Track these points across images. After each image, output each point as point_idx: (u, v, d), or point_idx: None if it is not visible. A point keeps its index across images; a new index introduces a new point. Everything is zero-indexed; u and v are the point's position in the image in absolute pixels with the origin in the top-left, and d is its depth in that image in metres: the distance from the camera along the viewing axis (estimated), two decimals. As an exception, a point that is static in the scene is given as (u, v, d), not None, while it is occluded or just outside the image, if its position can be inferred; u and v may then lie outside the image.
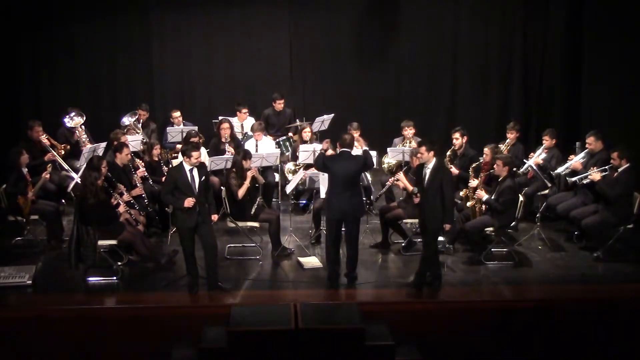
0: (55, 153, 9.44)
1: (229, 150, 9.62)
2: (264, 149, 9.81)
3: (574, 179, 8.75)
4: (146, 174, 9.05)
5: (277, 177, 9.79)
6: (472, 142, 9.61)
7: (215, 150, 9.81)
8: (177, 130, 10.34)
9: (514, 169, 8.74)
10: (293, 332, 6.34)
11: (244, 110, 10.91)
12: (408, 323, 7.04)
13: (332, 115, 11.16)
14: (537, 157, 9.37)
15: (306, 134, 10.02)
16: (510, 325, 7.15)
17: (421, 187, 7.55)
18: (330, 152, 8.76)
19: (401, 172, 8.92)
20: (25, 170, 8.49)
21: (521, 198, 8.31)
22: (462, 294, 7.55)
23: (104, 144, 9.57)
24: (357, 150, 8.72)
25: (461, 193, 8.79)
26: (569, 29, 12.03)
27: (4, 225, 8.67)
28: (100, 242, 7.66)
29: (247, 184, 8.30)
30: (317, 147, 9.36)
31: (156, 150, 9.49)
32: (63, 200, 9.61)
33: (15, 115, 11.76)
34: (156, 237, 8.88)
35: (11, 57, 11.83)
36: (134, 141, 9.70)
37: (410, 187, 8.43)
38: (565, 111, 12.20)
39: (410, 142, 9.93)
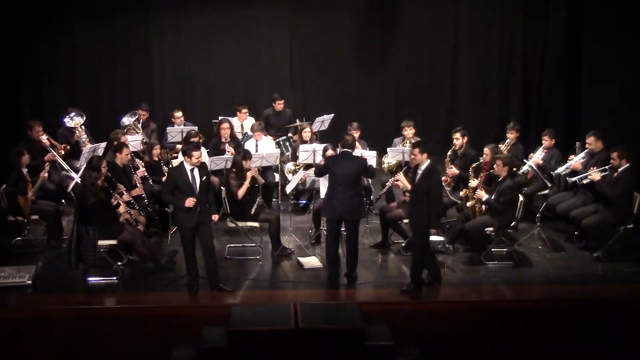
0: (55, 153, 9.45)
1: (229, 150, 9.62)
2: (264, 149, 9.81)
3: (574, 179, 8.75)
4: (146, 174, 9.05)
5: (277, 177, 9.79)
6: (472, 142, 9.60)
7: (215, 150, 9.81)
8: (177, 130, 10.34)
9: (514, 169, 8.73)
10: (293, 332, 6.34)
11: (244, 110, 10.91)
12: (408, 323, 7.04)
13: (332, 115, 11.16)
14: (536, 158, 9.37)
15: (306, 134, 10.02)
16: (510, 325, 7.15)
17: (413, 188, 7.54)
18: (330, 152, 8.78)
19: (401, 172, 8.93)
20: (25, 170, 8.49)
21: (521, 198, 8.31)
22: (462, 294, 7.55)
23: (104, 144, 9.57)
24: (358, 151, 8.75)
25: (461, 193, 8.79)
26: (569, 29, 12.04)
27: (4, 225, 8.66)
28: (100, 242, 7.66)
29: (246, 184, 8.30)
30: (317, 147, 9.37)
31: (156, 150, 9.48)
32: (63, 200, 9.61)
33: (15, 115, 11.76)
34: (156, 237, 8.88)
35: (11, 57, 11.82)
36: (134, 141, 9.70)
37: (410, 187, 8.43)
38: (565, 111, 12.21)
39: (410, 142, 9.92)
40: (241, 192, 8.27)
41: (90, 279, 7.72)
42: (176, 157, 9.85)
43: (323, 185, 8.16)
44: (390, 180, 8.89)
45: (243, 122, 10.87)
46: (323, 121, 11.06)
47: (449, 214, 9.15)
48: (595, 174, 8.39)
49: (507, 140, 9.76)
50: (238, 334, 6.37)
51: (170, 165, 9.57)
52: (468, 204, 8.50)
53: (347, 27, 12.61)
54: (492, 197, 8.13)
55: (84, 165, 8.59)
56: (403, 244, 8.54)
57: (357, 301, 7.24)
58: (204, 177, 7.39)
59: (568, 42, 12.06)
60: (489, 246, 8.27)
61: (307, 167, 9.36)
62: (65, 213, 9.36)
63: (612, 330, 7.14)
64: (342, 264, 7.76)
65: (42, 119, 10.19)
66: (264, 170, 9.50)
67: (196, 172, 7.34)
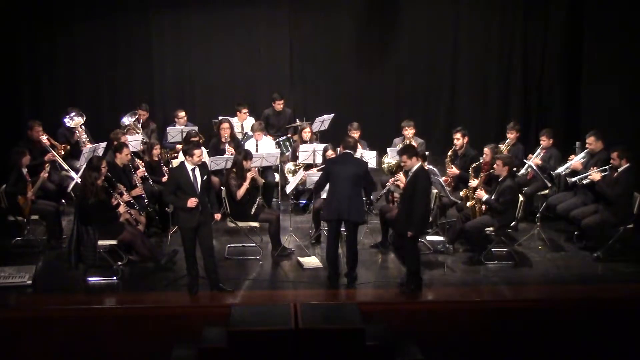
0: (55, 153, 9.45)
1: (229, 150, 9.62)
2: (264, 149, 9.81)
3: (574, 179, 8.74)
4: (146, 174, 9.05)
5: (277, 177, 9.79)
6: (472, 142, 9.60)
7: (215, 150, 9.81)
8: (177, 130, 10.35)
9: (514, 169, 8.73)
10: (293, 332, 6.34)
11: (244, 110, 10.91)
12: (408, 323, 7.04)
13: (332, 115, 11.17)
14: (535, 158, 9.36)
15: (306, 134, 10.02)
16: (510, 325, 7.15)
17: (403, 190, 7.53)
18: (330, 152, 8.78)
19: (401, 172, 8.92)
20: (25, 170, 8.49)
21: (521, 198, 8.31)
22: (462, 294, 7.55)
23: (104, 144, 9.57)
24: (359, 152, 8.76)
25: (461, 193, 8.79)
26: (569, 29, 12.04)
27: (4, 225, 8.66)
28: (100, 242, 7.66)
29: (246, 184, 8.30)
30: (317, 147, 9.37)
31: (156, 150, 9.48)
32: (63, 200, 9.60)
33: (15, 115, 11.75)
34: (156, 237, 8.87)
35: (11, 57, 11.82)
36: (134, 141, 9.70)
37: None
38: (565, 111, 12.21)
39: (410, 142, 9.92)
40: (241, 192, 8.27)
41: (90, 279, 7.71)
42: (176, 157, 9.84)
43: (323, 185, 8.17)
44: (390, 180, 8.88)
45: (243, 122, 10.87)
46: (323, 121, 11.06)
47: (449, 214, 9.16)
48: (595, 174, 8.39)
49: (507, 140, 9.76)
50: (238, 334, 6.37)
51: (170, 165, 9.57)
52: (468, 204, 8.50)
53: (347, 27, 12.61)
54: (492, 197, 8.13)
55: (84, 165, 8.59)
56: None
57: (357, 301, 7.24)
58: (205, 177, 7.39)
59: (568, 42, 12.07)
60: (489, 246, 8.27)
61: (307, 167, 9.36)
62: (65, 213, 9.36)
63: (612, 330, 7.14)
64: (342, 264, 7.76)
65: (42, 119, 10.20)
66: (264, 170, 9.51)
67: (197, 171, 7.34)
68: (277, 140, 10.51)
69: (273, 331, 6.39)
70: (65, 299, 7.35)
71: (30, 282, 7.51)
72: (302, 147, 9.63)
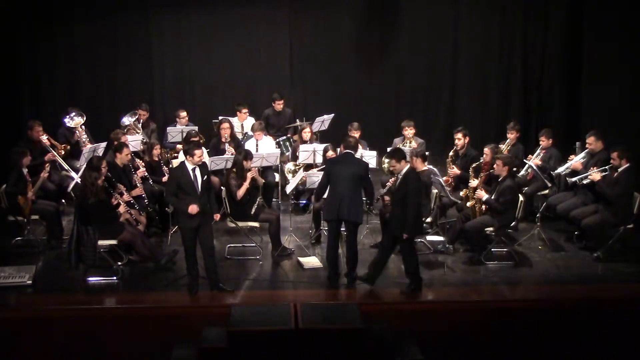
0: (55, 153, 9.44)
1: (229, 150, 9.62)
2: (264, 148, 9.81)
3: (574, 179, 8.74)
4: (146, 174, 9.05)
5: (277, 177, 9.79)
6: (472, 142, 9.60)
7: (215, 150, 9.81)
8: (177, 130, 10.35)
9: (514, 169, 8.73)
10: (293, 332, 6.34)
11: (244, 110, 10.91)
12: (408, 323, 7.04)
13: (332, 115, 11.17)
14: (535, 158, 9.36)
15: (306, 134, 10.02)
16: (510, 325, 7.15)
17: (393, 193, 7.50)
18: (330, 152, 8.78)
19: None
20: (25, 170, 8.49)
21: (521, 198, 8.31)
22: (462, 294, 7.56)
23: (104, 144, 9.57)
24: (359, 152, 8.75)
25: (461, 193, 8.79)
26: (569, 29, 12.04)
27: (4, 225, 8.66)
28: (100, 242, 7.66)
29: (246, 184, 8.30)
30: (317, 147, 9.38)
31: (156, 150, 9.48)
32: (63, 200, 9.60)
33: (15, 115, 11.75)
34: (156, 237, 8.87)
35: (11, 57, 11.82)
36: (134, 141, 9.70)
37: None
38: (565, 111, 12.21)
39: (410, 142, 9.93)
40: (241, 192, 8.27)
41: (90, 279, 7.72)
42: (176, 157, 9.84)
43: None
44: (390, 180, 8.87)
45: (243, 122, 10.87)
46: (323, 121, 11.06)
47: (449, 214, 9.16)
48: (595, 174, 8.39)
49: (507, 141, 9.76)
50: (238, 334, 6.36)
51: (171, 165, 9.57)
52: (468, 204, 8.50)
53: (347, 27, 12.61)
54: (492, 197, 8.12)
55: (84, 165, 8.60)
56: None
57: (357, 301, 7.24)
58: (205, 177, 7.40)
59: (568, 42, 12.07)
60: (489, 246, 8.27)
61: (307, 167, 9.36)
62: (65, 213, 9.35)
63: (612, 330, 7.13)
64: (342, 264, 7.76)
65: (42, 119, 10.20)
66: (264, 170, 9.51)
67: (197, 171, 7.35)
68: (277, 140, 10.51)
69: (273, 331, 6.39)
70: (65, 299, 7.35)
71: (30, 282, 7.51)
72: (302, 147, 9.63)
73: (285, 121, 11.30)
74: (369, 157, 9.21)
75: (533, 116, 12.55)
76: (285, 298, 7.39)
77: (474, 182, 8.47)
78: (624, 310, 7.28)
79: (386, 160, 9.91)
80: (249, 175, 8.35)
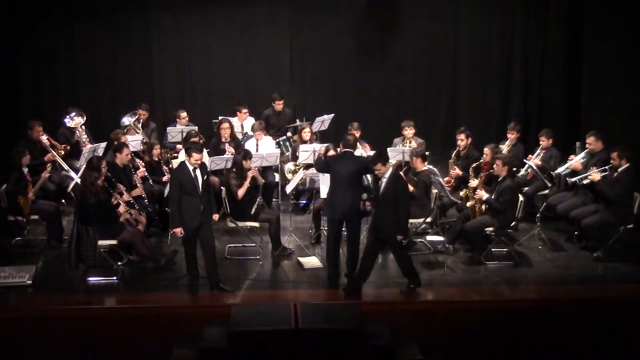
0: (55, 153, 9.44)
1: (229, 150, 9.62)
2: (264, 148, 9.81)
3: (574, 179, 8.74)
4: (146, 174, 9.05)
5: (277, 177, 9.79)
6: (472, 142, 9.59)
7: (215, 150, 9.81)
8: (177, 130, 10.35)
9: (514, 169, 8.73)
10: (293, 332, 6.34)
11: (244, 110, 10.92)
12: (408, 323, 7.05)
13: (332, 115, 11.16)
14: (535, 158, 9.36)
15: (306, 134, 10.02)
16: (510, 325, 7.15)
17: (376, 197, 7.43)
18: (332, 152, 8.77)
19: (401, 172, 8.93)
20: (25, 170, 8.49)
21: (521, 198, 8.31)
22: (462, 294, 7.55)
23: (104, 144, 9.57)
24: (359, 151, 8.75)
25: (461, 193, 8.79)
26: (569, 28, 12.03)
27: (4, 225, 8.66)
28: (100, 242, 7.67)
29: (246, 184, 8.30)
30: (317, 147, 9.36)
31: (156, 150, 9.48)
32: (63, 200, 9.61)
33: (15, 115, 11.75)
34: (156, 237, 8.87)
35: (11, 57, 11.82)
36: (134, 141, 9.70)
37: (410, 188, 8.43)
38: (565, 111, 12.20)
39: (410, 142, 9.94)
40: (241, 192, 8.27)
41: (90, 279, 7.72)
42: (176, 157, 9.85)
43: (323, 185, 8.17)
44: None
45: (243, 122, 10.87)
46: (323, 121, 11.06)
47: (449, 214, 9.15)
48: (595, 174, 8.39)
49: (508, 141, 9.75)
50: (238, 334, 6.36)
51: (171, 166, 9.57)
52: (468, 204, 8.50)
53: (347, 27, 12.60)
54: (492, 197, 8.12)
55: (84, 165, 8.60)
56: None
57: (357, 301, 7.24)
58: (205, 177, 7.40)
59: (568, 42, 12.06)
60: (489, 246, 8.27)
61: (307, 167, 9.36)
62: (65, 213, 9.35)
63: (612, 330, 7.14)
64: (342, 264, 7.76)
65: (42, 119, 10.19)
66: (264, 170, 9.50)
67: (198, 171, 7.36)
68: (277, 140, 10.50)
69: (273, 331, 6.39)
70: (65, 299, 7.36)
71: (30, 282, 7.52)
72: (302, 147, 9.63)
73: (285, 121, 11.30)
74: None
75: (533, 116, 12.55)
76: (285, 298, 7.40)
77: (474, 182, 8.47)
78: (624, 310, 7.27)
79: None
80: (249, 174, 8.35)
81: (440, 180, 8.61)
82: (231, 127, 10.04)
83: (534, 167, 9.12)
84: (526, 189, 9.14)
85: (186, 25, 12.42)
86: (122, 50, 12.35)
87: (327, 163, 7.72)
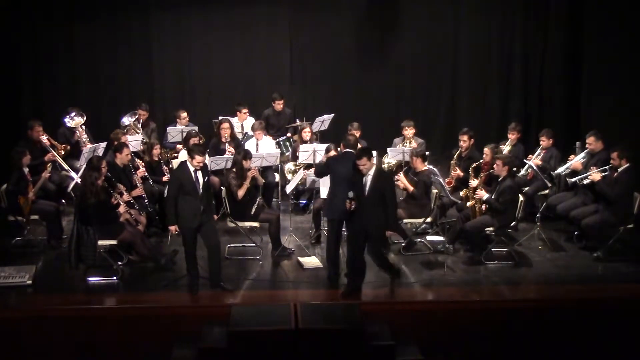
0: (55, 153, 9.44)
1: (229, 150, 9.62)
2: (264, 148, 9.81)
3: (574, 179, 8.74)
4: (146, 174, 9.05)
5: (277, 177, 9.79)
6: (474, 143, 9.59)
7: (215, 150, 9.81)
8: (177, 130, 10.35)
9: (514, 169, 8.73)
10: (293, 332, 6.34)
11: (244, 110, 10.92)
12: (408, 323, 7.04)
13: (332, 115, 11.17)
14: (535, 158, 9.36)
15: (306, 134, 10.02)
16: (510, 325, 7.15)
17: (361, 194, 7.31)
18: (332, 152, 8.77)
19: (401, 172, 8.93)
20: (26, 170, 8.49)
21: (521, 198, 8.31)
22: (462, 294, 7.55)
23: (104, 144, 9.58)
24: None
25: (461, 193, 8.79)
26: (569, 28, 12.03)
27: (4, 225, 8.66)
28: (100, 242, 7.67)
29: (246, 184, 8.31)
30: (317, 147, 9.37)
31: (156, 150, 9.48)
32: (63, 200, 9.61)
33: (15, 115, 11.75)
34: (156, 237, 8.87)
35: (11, 57, 11.82)
36: (134, 141, 9.70)
37: (410, 188, 8.45)
38: (565, 111, 12.20)
39: (410, 142, 9.94)
40: (241, 192, 8.27)
41: (90, 279, 7.72)
42: (176, 157, 9.85)
43: (323, 185, 8.17)
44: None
45: (243, 122, 10.88)
46: (323, 121, 11.06)
47: (449, 214, 9.15)
48: (595, 174, 8.39)
49: (509, 141, 9.75)
50: (238, 334, 6.37)
51: (171, 166, 9.58)
52: (468, 204, 8.50)
53: (347, 27, 12.60)
54: (492, 197, 8.12)
55: (84, 165, 8.60)
56: (403, 244, 8.54)
57: (357, 301, 7.24)
58: (206, 178, 7.41)
59: (568, 42, 12.06)
60: (489, 246, 8.27)
61: (307, 167, 9.36)
62: (65, 213, 9.35)
63: (612, 330, 7.13)
64: (342, 264, 7.76)
65: (42, 119, 10.19)
66: (264, 170, 9.50)
67: (199, 172, 7.37)
68: (277, 140, 10.51)
69: (273, 331, 6.39)
70: (65, 299, 7.35)
71: (30, 282, 7.51)
72: (302, 147, 9.63)
73: (285, 121, 11.30)
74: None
75: (533, 116, 12.55)
76: (285, 298, 7.39)
77: (474, 182, 8.47)
78: (624, 310, 7.27)
79: (385, 161, 9.97)
80: (250, 174, 8.35)
81: (440, 180, 8.61)
82: (231, 127, 10.04)
83: (534, 167, 9.12)
84: (526, 189, 9.14)
85: (186, 25, 12.43)
86: (122, 50, 12.35)
87: (327, 164, 7.72)
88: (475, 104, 12.74)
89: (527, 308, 7.28)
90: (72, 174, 9.25)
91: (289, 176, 9.62)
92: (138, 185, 8.68)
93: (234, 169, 8.41)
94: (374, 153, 9.34)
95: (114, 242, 7.80)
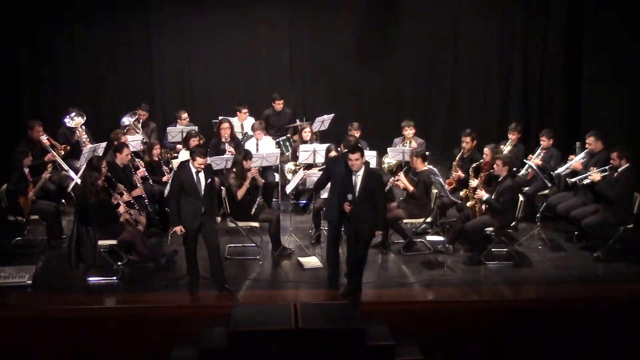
0: (55, 153, 9.44)
1: (229, 150, 9.61)
2: (264, 148, 9.81)
3: (574, 179, 8.74)
4: (146, 174, 9.05)
5: (277, 177, 9.79)
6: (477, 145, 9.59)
7: (216, 150, 9.80)
8: (177, 130, 10.35)
9: (514, 169, 8.73)
10: (293, 332, 6.34)
11: (244, 110, 10.92)
12: (408, 323, 7.04)
13: (332, 115, 11.17)
14: (535, 158, 9.36)
15: (306, 134, 10.02)
16: (510, 325, 7.14)
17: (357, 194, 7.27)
18: (333, 152, 8.78)
19: (401, 172, 8.93)
20: (26, 170, 8.49)
21: (521, 198, 8.31)
22: (462, 294, 7.55)
23: (104, 144, 9.58)
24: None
25: (461, 193, 8.79)
26: (569, 28, 12.02)
27: (4, 225, 8.66)
28: (100, 242, 7.66)
29: (246, 184, 8.30)
30: (317, 147, 9.37)
31: (156, 150, 9.48)
32: (63, 200, 9.61)
33: (15, 115, 11.75)
34: (156, 237, 8.87)
35: (11, 57, 11.82)
36: (134, 141, 9.70)
37: (410, 188, 8.44)
38: (565, 111, 12.20)
39: (410, 142, 9.93)
40: (241, 192, 8.27)
41: (90, 279, 7.72)
42: (176, 157, 9.85)
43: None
44: (390, 180, 8.88)
45: (243, 122, 10.88)
46: (323, 121, 11.06)
47: (449, 214, 9.16)
48: (595, 174, 8.39)
49: (509, 141, 9.75)
50: (238, 334, 6.37)
51: (171, 165, 9.58)
52: (468, 204, 8.50)
53: (347, 27, 12.61)
54: (492, 197, 8.12)
55: (84, 165, 8.60)
56: (403, 244, 8.53)
57: (357, 301, 7.23)
58: (209, 180, 7.41)
59: (568, 42, 12.06)
60: (489, 246, 8.27)
61: (307, 167, 9.36)
62: (65, 213, 9.36)
63: (612, 330, 7.13)
64: (342, 264, 7.75)
65: (42, 119, 10.18)
66: (264, 170, 9.50)
67: (201, 174, 7.36)
68: (277, 140, 10.50)
69: (273, 331, 6.39)
70: (65, 299, 7.35)
71: (30, 282, 7.52)
72: (302, 147, 9.63)
73: (285, 121, 11.30)
74: (369, 157, 9.17)
75: (533, 116, 12.55)
76: (285, 298, 7.39)
77: (474, 182, 8.47)
78: (624, 310, 7.27)
79: (385, 161, 9.96)
80: (250, 174, 8.35)
81: (440, 180, 8.60)
82: (231, 127, 10.03)
83: (534, 167, 9.12)
84: (526, 189, 9.14)
85: (186, 26, 12.43)
86: (122, 50, 12.36)
87: (327, 164, 7.70)
88: (475, 104, 12.74)
89: (527, 308, 7.28)
90: (72, 174, 9.25)
91: (289, 176, 9.62)
92: (138, 185, 8.68)
93: (234, 169, 8.40)
94: (374, 153, 9.43)
95: (114, 242, 7.80)
